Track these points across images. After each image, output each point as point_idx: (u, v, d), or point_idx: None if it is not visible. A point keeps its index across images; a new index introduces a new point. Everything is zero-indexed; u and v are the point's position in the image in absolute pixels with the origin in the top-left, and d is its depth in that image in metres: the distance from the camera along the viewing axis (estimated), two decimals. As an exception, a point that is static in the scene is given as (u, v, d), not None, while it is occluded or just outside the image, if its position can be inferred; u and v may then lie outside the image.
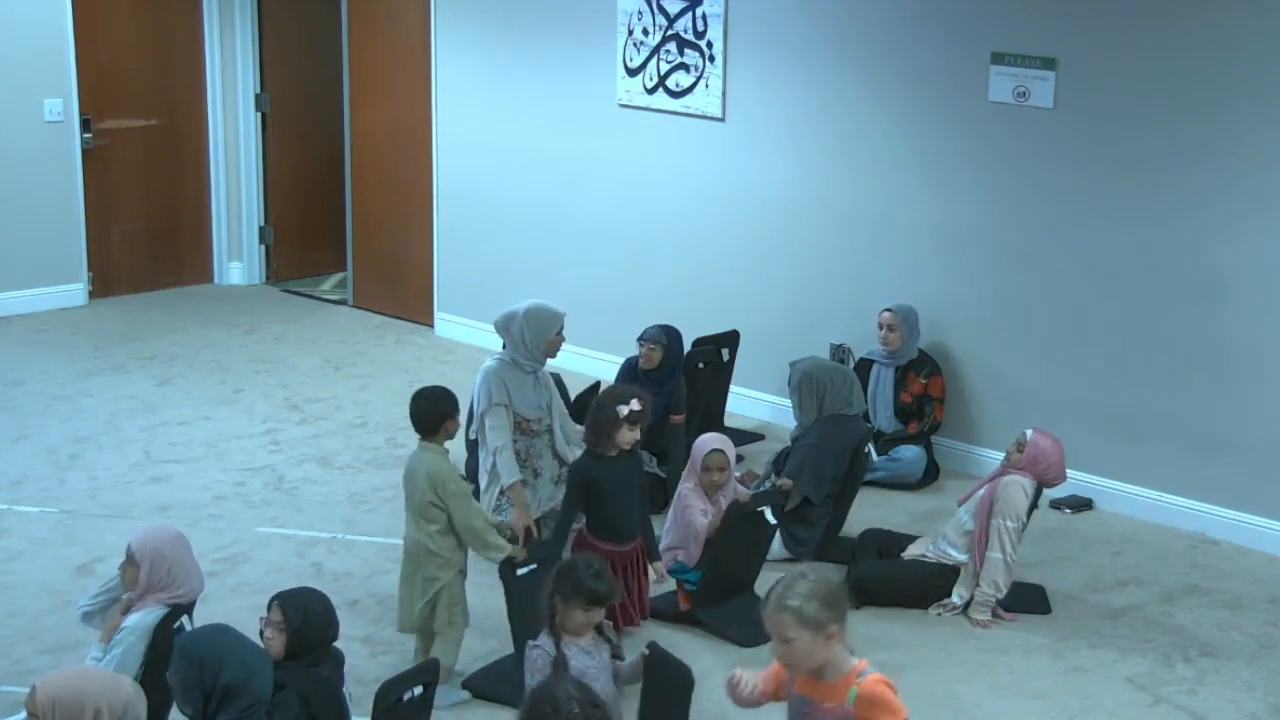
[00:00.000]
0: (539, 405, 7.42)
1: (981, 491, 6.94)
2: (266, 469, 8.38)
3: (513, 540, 7.23)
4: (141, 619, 5.32)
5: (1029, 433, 6.96)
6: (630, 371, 8.26)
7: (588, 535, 6.57)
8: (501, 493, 7.30)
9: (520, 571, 6.13)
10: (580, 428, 7.80)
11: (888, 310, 8.39)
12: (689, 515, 6.81)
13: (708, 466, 6.83)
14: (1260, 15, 7.37)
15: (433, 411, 6.24)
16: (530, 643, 5.32)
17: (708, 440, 6.95)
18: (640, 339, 8.22)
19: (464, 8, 10.28)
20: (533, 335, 7.30)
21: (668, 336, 8.19)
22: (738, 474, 7.30)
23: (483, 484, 7.37)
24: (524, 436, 7.40)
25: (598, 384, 8.41)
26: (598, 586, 5.25)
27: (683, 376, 8.26)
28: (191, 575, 5.46)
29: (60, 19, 10.75)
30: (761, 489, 7.40)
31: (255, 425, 9.02)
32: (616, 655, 5.38)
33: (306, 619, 4.95)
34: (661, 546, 6.91)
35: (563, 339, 7.47)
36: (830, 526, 7.42)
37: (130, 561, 5.40)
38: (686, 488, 6.90)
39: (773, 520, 6.79)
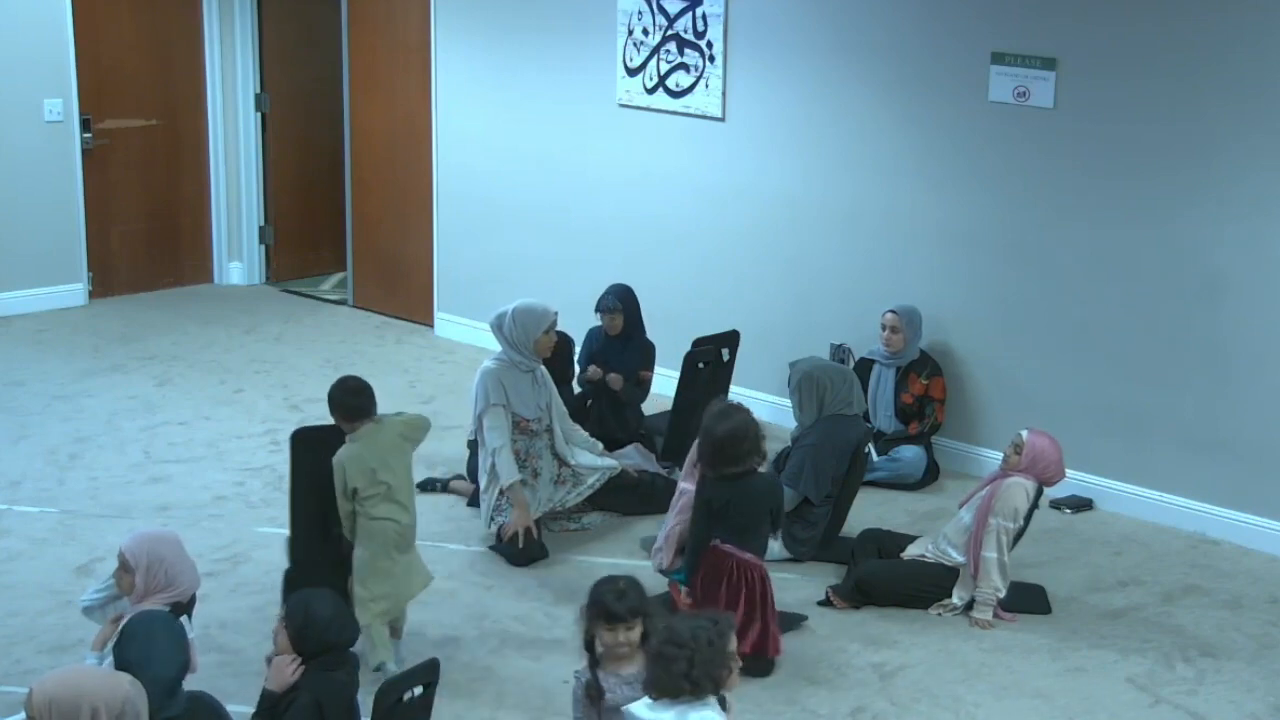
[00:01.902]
0: (538, 405, 7.43)
1: (983, 492, 6.93)
2: (266, 469, 8.38)
3: (511, 541, 7.25)
4: (140, 619, 5.32)
5: (1025, 434, 6.96)
6: (597, 339, 8.38)
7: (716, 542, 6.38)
8: (501, 493, 7.31)
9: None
10: (580, 428, 7.83)
11: (891, 311, 8.39)
12: (677, 516, 6.81)
13: None
14: (1260, 15, 7.37)
15: (367, 400, 6.26)
16: (574, 670, 5.17)
17: None
18: (599, 309, 8.41)
19: (464, 7, 10.28)
20: (521, 333, 7.34)
21: (622, 301, 8.37)
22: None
23: (482, 484, 7.39)
24: (523, 436, 7.41)
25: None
26: (615, 605, 5.00)
27: (646, 334, 8.48)
28: (188, 573, 5.44)
29: (60, 19, 10.75)
30: None
31: (255, 425, 9.01)
32: None
33: (308, 619, 4.95)
34: (655, 545, 6.93)
35: (553, 338, 7.51)
36: (830, 526, 7.41)
37: (124, 567, 5.38)
38: (687, 486, 6.90)
39: None
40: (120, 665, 4.73)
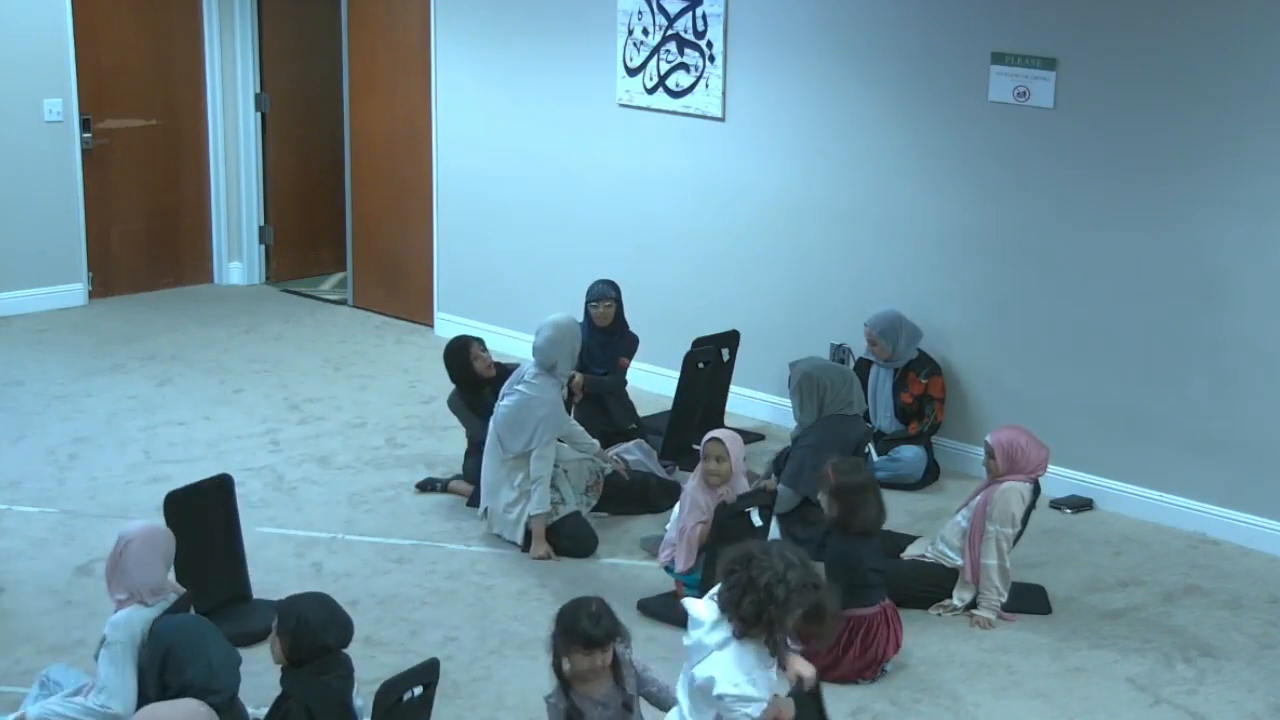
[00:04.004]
0: (566, 420, 7.56)
1: (978, 498, 6.92)
2: (266, 469, 8.37)
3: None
4: (130, 616, 5.30)
5: (988, 438, 6.94)
6: (583, 334, 8.41)
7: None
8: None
9: None
10: (575, 423, 7.85)
11: (865, 325, 8.39)
12: (685, 520, 6.83)
13: (705, 455, 6.87)
14: (1260, 16, 7.37)
15: None
16: (546, 695, 5.17)
17: (711, 432, 7.01)
18: (591, 300, 8.48)
19: (464, 8, 10.28)
20: (578, 345, 7.60)
21: (615, 290, 8.53)
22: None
23: (510, 497, 7.40)
24: None
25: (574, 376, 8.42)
26: (592, 630, 5.00)
27: (629, 328, 8.59)
28: (141, 570, 5.36)
29: (60, 19, 10.75)
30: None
31: (255, 425, 9.01)
32: (628, 706, 5.16)
33: (300, 625, 4.94)
34: (664, 540, 6.95)
35: None
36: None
37: None
38: (693, 484, 6.93)
39: (758, 522, 6.77)
40: (180, 688, 4.75)
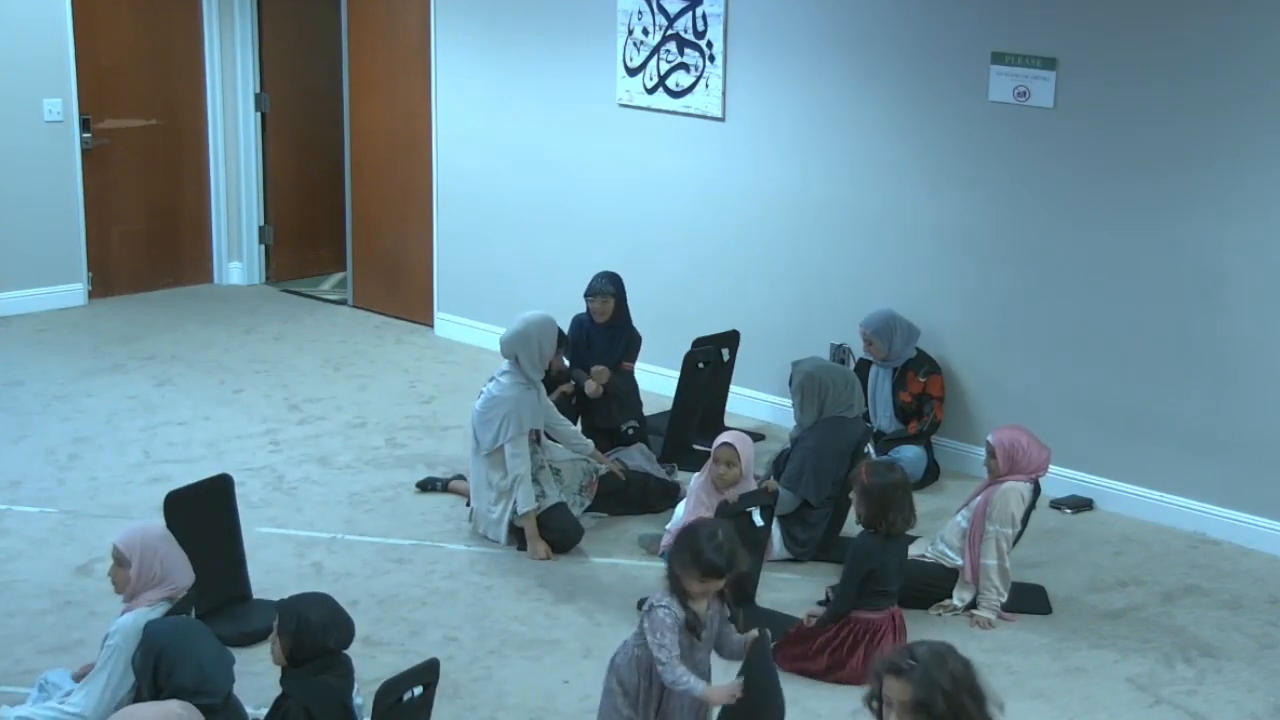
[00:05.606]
0: (539, 416, 7.50)
1: (979, 499, 6.92)
2: (266, 469, 8.37)
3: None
4: (136, 619, 5.30)
5: (990, 438, 6.94)
6: (582, 328, 8.37)
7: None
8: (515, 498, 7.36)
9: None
10: (568, 421, 7.84)
11: (861, 326, 8.39)
12: (690, 519, 6.84)
13: (716, 459, 6.90)
14: (1260, 16, 7.37)
15: None
16: (655, 602, 5.15)
17: (722, 435, 7.03)
18: (589, 294, 8.35)
19: (464, 8, 10.28)
20: (549, 346, 7.43)
21: (615, 285, 8.35)
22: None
23: (491, 496, 7.39)
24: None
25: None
26: (715, 558, 5.04)
27: (633, 325, 8.45)
28: (181, 568, 5.44)
29: (60, 19, 10.75)
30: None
31: (255, 425, 9.01)
32: (733, 620, 5.27)
33: (302, 626, 4.94)
34: (665, 539, 6.95)
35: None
36: (830, 527, 7.41)
37: (118, 562, 5.39)
38: (698, 482, 6.94)
39: (760, 522, 6.77)
40: (173, 691, 4.76)
